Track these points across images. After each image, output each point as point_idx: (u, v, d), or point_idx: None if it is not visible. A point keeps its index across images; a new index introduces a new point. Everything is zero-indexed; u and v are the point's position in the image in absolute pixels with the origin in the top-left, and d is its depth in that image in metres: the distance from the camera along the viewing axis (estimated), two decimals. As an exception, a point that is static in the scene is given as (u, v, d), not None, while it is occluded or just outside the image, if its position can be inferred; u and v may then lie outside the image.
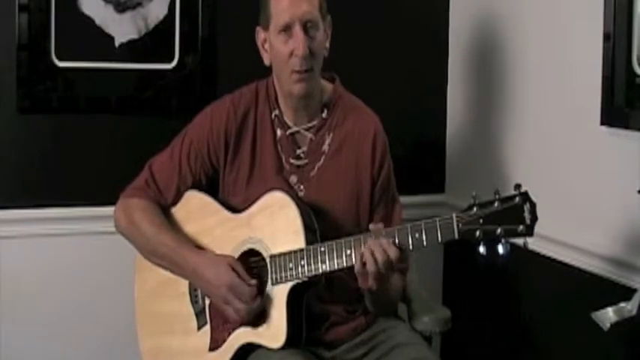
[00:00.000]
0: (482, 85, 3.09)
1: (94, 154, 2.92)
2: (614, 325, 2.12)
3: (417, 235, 2.05)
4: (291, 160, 2.36)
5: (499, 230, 1.95)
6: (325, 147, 2.36)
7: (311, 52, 2.25)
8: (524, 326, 2.88)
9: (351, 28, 2.96)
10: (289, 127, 2.37)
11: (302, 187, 2.34)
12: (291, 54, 2.25)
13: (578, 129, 2.59)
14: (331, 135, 2.37)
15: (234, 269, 2.23)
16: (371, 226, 2.13)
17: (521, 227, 1.94)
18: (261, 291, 2.23)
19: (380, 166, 2.37)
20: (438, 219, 2.02)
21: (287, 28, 2.25)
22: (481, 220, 1.96)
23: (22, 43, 2.79)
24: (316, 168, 2.36)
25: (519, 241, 1.98)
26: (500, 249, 1.95)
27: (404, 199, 2.48)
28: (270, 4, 2.27)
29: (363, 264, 2.08)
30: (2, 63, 2.80)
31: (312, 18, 2.26)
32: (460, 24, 3.22)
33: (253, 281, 2.22)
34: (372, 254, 2.06)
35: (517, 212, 1.95)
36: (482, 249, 1.97)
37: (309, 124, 2.37)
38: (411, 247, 2.06)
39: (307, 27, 2.25)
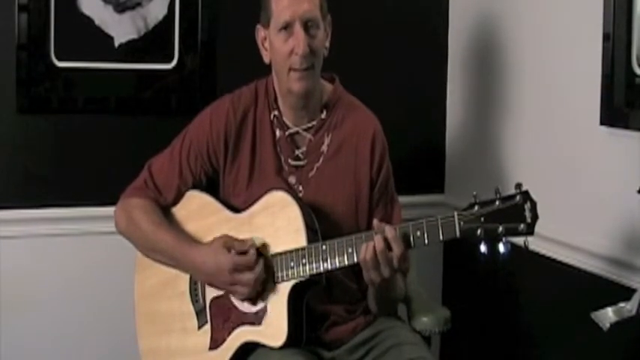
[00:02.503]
0: (481, 85, 3.09)
1: (94, 154, 2.92)
2: (614, 325, 2.11)
3: (418, 234, 2.05)
4: (290, 161, 2.36)
5: (500, 229, 1.95)
6: (324, 148, 2.36)
7: (311, 50, 2.25)
8: (524, 326, 2.88)
9: (351, 28, 2.96)
10: (288, 128, 2.37)
11: (301, 187, 2.34)
12: (291, 52, 2.25)
13: (578, 129, 2.59)
14: (330, 136, 2.37)
15: (228, 248, 2.24)
16: (375, 224, 2.13)
17: (522, 226, 1.94)
18: (261, 290, 2.23)
19: (379, 167, 2.37)
20: (439, 217, 2.02)
21: (287, 27, 2.25)
22: (482, 219, 1.97)
23: (22, 43, 2.79)
24: (315, 169, 2.36)
25: (520, 240, 1.98)
26: (501, 248, 1.96)
27: (403, 199, 2.49)
28: (271, 2, 2.27)
29: (371, 256, 2.08)
30: (2, 63, 2.80)
31: (313, 17, 2.26)
32: (460, 24, 3.22)
33: (251, 250, 2.22)
34: (374, 248, 2.07)
35: (518, 211, 1.95)
36: (483, 248, 1.97)
37: (309, 125, 2.37)
38: (412, 245, 2.06)
39: (308, 26, 2.25)
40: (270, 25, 2.29)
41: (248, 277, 2.21)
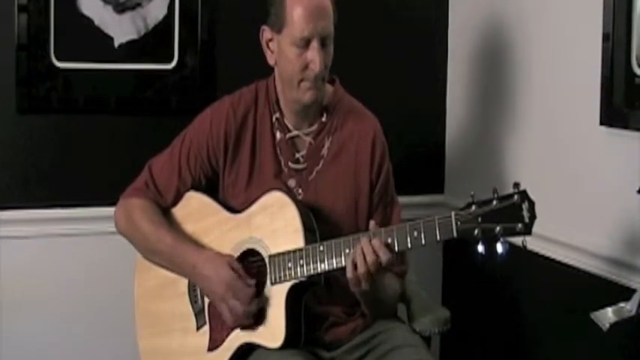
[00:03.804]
0: (481, 85, 3.09)
1: (94, 155, 2.92)
2: (614, 325, 2.10)
3: (415, 234, 2.05)
4: (290, 164, 2.35)
5: (498, 228, 1.95)
6: (324, 151, 2.36)
7: (325, 66, 2.25)
8: (524, 326, 2.87)
9: (351, 29, 2.94)
10: (289, 131, 2.36)
11: (300, 190, 2.34)
12: (305, 66, 2.24)
13: (578, 129, 2.59)
14: (330, 139, 2.36)
15: (233, 268, 2.23)
16: (371, 226, 2.13)
17: (519, 226, 1.94)
18: (259, 291, 2.23)
19: (379, 170, 2.37)
20: (436, 217, 2.02)
21: (305, 42, 2.23)
22: (479, 219, 1.96)
23: (22, 44, 2.80)
24: (315, 172, 2.35)
25: (518, 240, 1.98)
26: (499, 248, 1.95)
27: (403, 200, 2.48)
28: (286, 10, 2.23)
29: (354, 265, 2.08)
30: (2, 63, 2.80)
31: (329, 33, 2.25)
32: (459, 24, 3.22)
33: (252, 281, 2.22)
34: (363, 255, 2.07)
35: (515, 211, 1.95)
36: (480, 248, 1.97)
37: (309, 129, 2.37)
38: (409, 245, 2.06)
39: (324, 42, 2.24)
40: (282, 32, 2.26)
41: (236, 304, 2.20)
